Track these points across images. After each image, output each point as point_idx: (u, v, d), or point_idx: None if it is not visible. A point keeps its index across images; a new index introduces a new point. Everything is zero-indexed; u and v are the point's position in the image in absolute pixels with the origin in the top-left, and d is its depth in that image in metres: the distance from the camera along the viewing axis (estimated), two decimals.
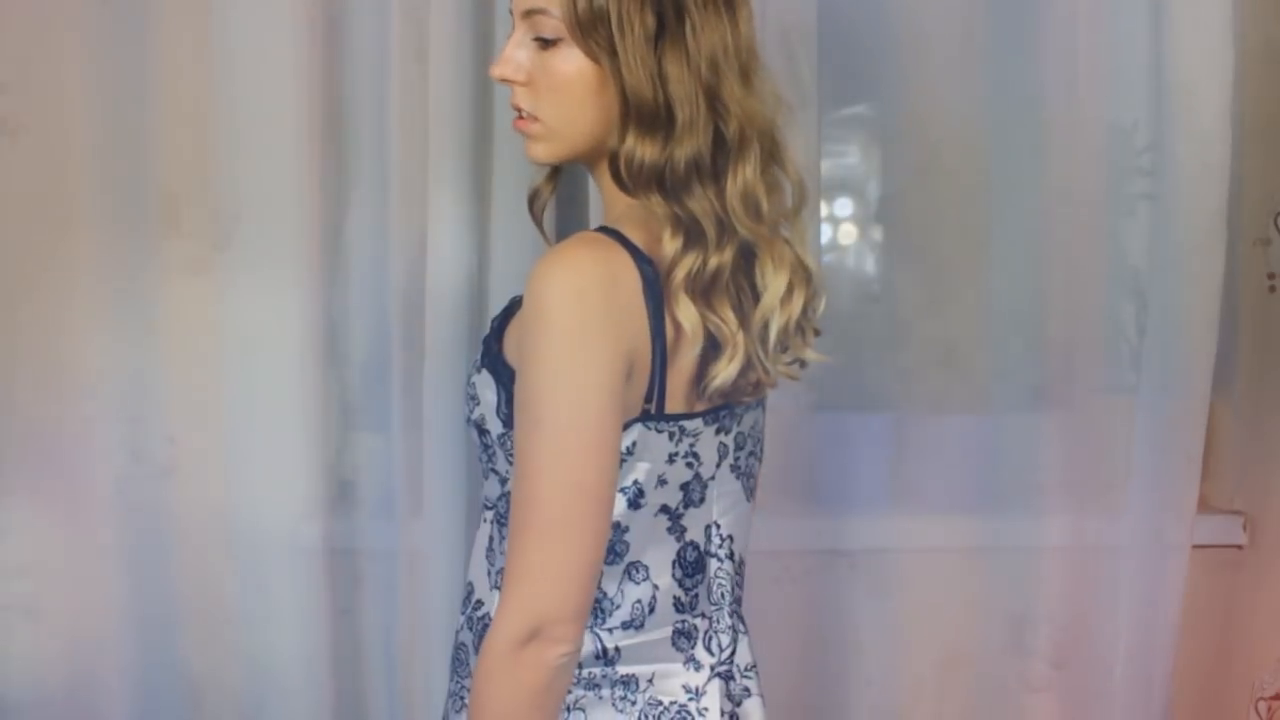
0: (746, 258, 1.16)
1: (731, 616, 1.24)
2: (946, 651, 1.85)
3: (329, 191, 1.76)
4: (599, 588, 1.16)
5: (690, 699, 1.19)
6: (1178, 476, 1.76)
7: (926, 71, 1.80)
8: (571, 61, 1.13)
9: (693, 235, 1.12)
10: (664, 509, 1.17)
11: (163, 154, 1.76)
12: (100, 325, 1.77)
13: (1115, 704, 1.80)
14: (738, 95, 1.13)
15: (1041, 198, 1.79)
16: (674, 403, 1.13)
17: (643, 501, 1.15)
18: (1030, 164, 1.79)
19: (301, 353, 1.74)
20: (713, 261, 1.12)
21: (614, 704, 1.17)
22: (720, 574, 1.22)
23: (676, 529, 1.19)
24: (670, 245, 1.11)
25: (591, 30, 1.11)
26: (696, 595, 1.21)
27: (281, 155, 1.72)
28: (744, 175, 1.13)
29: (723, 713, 1.20)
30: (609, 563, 1.16)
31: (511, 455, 1.13)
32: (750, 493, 1.25)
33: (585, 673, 1.17)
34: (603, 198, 1.21)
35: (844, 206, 2.00)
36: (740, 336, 1.13)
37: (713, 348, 1.13)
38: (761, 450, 1.27)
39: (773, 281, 1.15)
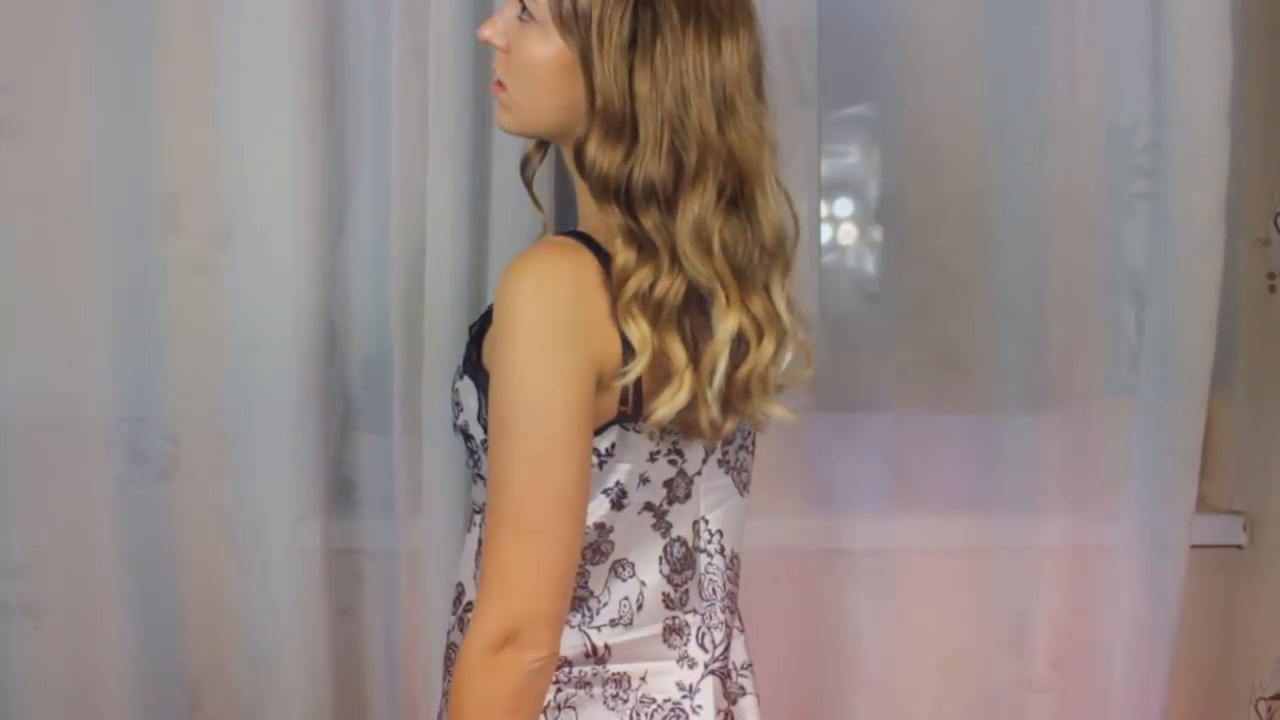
0: (702, 299, 1.13)
1: (725, 613, 1.23)
2: (946, 651, 1.85)
3: (329, 191, 1.76)
4: (585, 586, 1.17)
5: (684, 696, 1.19)
6: (1176, 477, 1.76)
7: (926, 71, 1.80)
8: (544, 45, 1.13)
9: (645, 251, 1.11)
10: (648, 506, 1.17)
11: (163, 154, 1.76)
12: (100, 325, 1.77)
13: (1115, 704, 1.80)
14: (705, 127, 1.10)
15: (1041, 197, 1.79)
16: (652, 402, 1.13)
17: (625, 501, 1.15)
18: (1030, 164, 1.79)
19: (301, 353, 1.74)
20: (662, 285, 1.10)
21: (605, 702, 1.17)
22: (711, 569, 1.22)
23: (662, 525, 1.18)
24: (623, 255, 1.10)
25: (572, 25, 1.10)
26: (687, 591, 1.21)
27: (281, 155, 1.72)
28: (693, 210, 1.10)
29: (717, 710, 1.20)
30: (594, 562, 1.16)
31: None
32: (743, 487, 1.25)
33: (576, 671, 1.17)
34: (576, 187, 1.20)
35: (844, 206, 2.00)
36: (688, 374, 1.11)
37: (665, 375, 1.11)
38: (753, 443, 1.27)
39: (722, 323, 1.12)
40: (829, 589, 1.85)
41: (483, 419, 1.14)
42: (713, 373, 1.12)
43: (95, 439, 1.78)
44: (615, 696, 1.18)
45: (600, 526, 1.15)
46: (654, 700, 1.18)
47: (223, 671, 1.80)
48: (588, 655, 1.17)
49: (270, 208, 1.73)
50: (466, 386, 1.17)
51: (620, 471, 1.14)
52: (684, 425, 1.14)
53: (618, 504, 1.15)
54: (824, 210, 1.94)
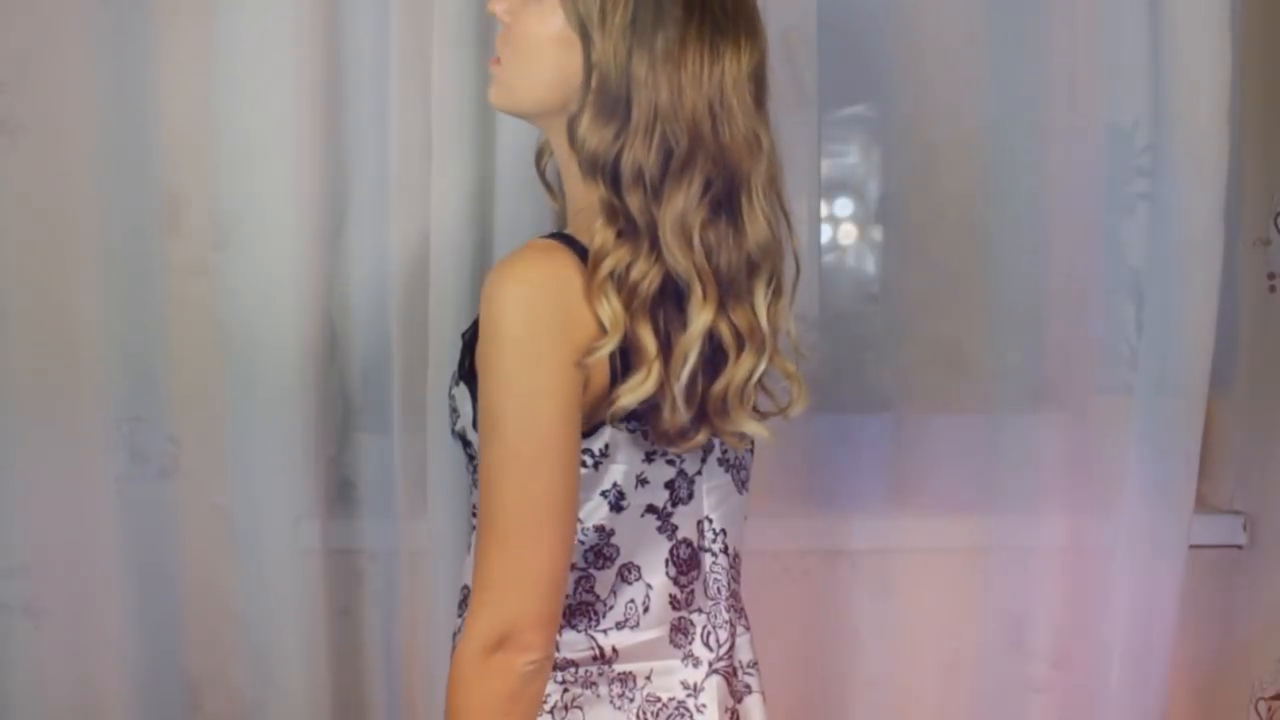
0: (680, 295, 1.13)
1: (729, 611, 1.23)
2: (946, 651, 1.85)
3: (329, 191, 1.76)
4: (592, 591, 1.17)
5: (688, 695, 1.19)
6: (1175, 477, 1.75)
7: (926, 71, 1.80)
8: (546, 22, 1.14)
9: (626, 232, 1.11)
10: (651, 509, 1.17)
11: (163, 154, 1.76)
12: (100, 325, 1.76)
13: (1114, 704, 1.80)
14: (697, 121, 1.11)
15: (1041, 198, 1.79)
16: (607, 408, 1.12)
17: (624, 503, 1.15)
18: (1030, 164, 1.79)
19: (301, 353, 1.74)
20: (639, 269, 1.10)
21: (611, 701, 1.18)
22: (715, 568, 1.22)
23: (667, 528, 1.19)
24: (601, 234, 1.11)
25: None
26: (692, 591, 1.21)
27: (281, 155, 1.72)
28: (678, 202, 1.11)
29: (723, 708, 1.20)
30: (600, 567, 1.17)
31: None
32: (742, 484, 1.25)
33: (582, 671, 1.17)
34: (563, 180, 1.21)
35: (844, 206, 2.00)
36: (656, 364, 1.10)
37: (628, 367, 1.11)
38: (753, 441, 1.27)
39: (696, 317, 1.11)
40: (829, 589, 1.85)
41: (478, 425, 1.14)
42: (682, 365, 1.11)
43: (95, 439, 1.78)
44: (621, 695, 1.18)
45: (601, 529, 1.15)
46: (659, 699, 1.19)
47: (223, 671, 1.80)
48: (595, 658, 1.18)
49: (270, 208, 1.73)
50: (461, 393, 1.17)
51: (616, 473, 1.15)
52: (651, 425, 1.13)
53: (617, 506, 1.15)
54: (824, 210, 1.94)
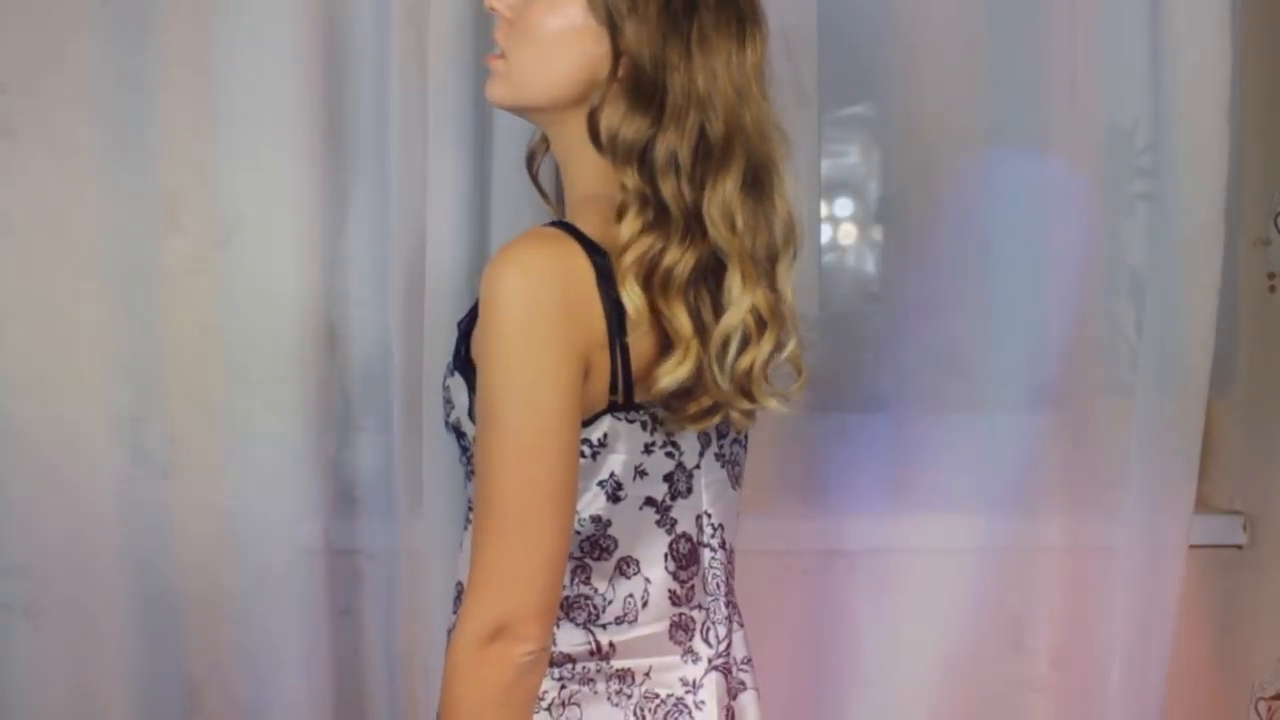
0: (715, 274, 1.14)
1: (727, 607, 1.23)
2: (946, 651, 1.85)
3: (329, 191, 1.76)
4: (589, 584, 1.16)
5: (687, 692, 1.19)
6: (1175, 477, 1.75)
7: (926, 71, 1.80)
8: (562, 14, 1.13)
9: (658, 220, 1.11)
10: (649, 501, 1.17)
11: (163, 154, 1.76)
12: (100, 325, 1.77)
13: (1114, 704, 1.80)
14: (733, 107, 1.12)
15: (1041, 198, 1.79)
16: (643, 391, 1.12)
17: (622, 494, 1.15)
18: (1030, 164, 1.79)
19: (301, 353, 1.74)
20: (671, 254, 1.10)
21: (609, 698, 1.17)
22: (714, 564, 1.22)
23: (666, 521, 1.18)
24: (630, 225, 1.10)
25: None
26: (692, 587, 1.21)
27: (281, 155, 1.72)
28: (725, 187, 1.12)
29: (720, 705, 1.20)
30: (596, 558, 1.16)
31: None
32: (736, 480, 1.25)
33: (579, 668, 1.17)
34: (564, 174, 1.20)
35: (844, 206, 2.00)
36: (694, 343, 1.11)
37: (667, 346, 1.12)
38: (746, 437, 1.27)
39: (739, 299, 1.13)
40: (829, 589, 1.85)
41: (474, 415, 1.13)
42: (724, 346, 1.12)
43: (95, 439, 1.78)
44: (619, 693, 1.17)
45: (597, 520, 1.15)
46: (658, 695, 1.18)
47: (223, 672, 1.80)
48: (592, 653, 1.17)
49: (270, 208, 1.73)
50: (457, 383, 1.16)
51: (614, 463, 1.14)
52: (678, 407, 1.13)
53: (614, 496, 1.15)
54: (824, 210, 1.94)
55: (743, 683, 1.26)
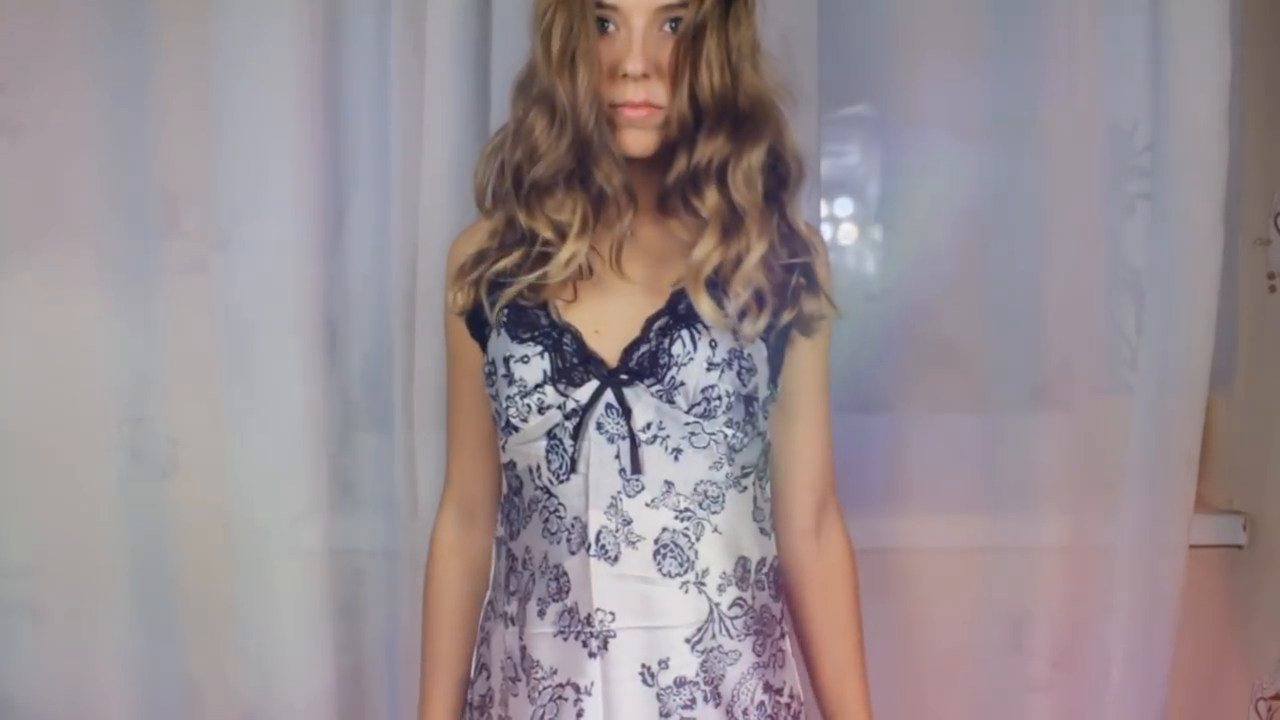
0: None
1: None
2: (946, 651, 1.85)
3: (329, 191, 1.76)
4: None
5: None
6: (1175, 476, 1.75)
7: (926, 71, 1.80)
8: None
9: (728, 229, 1.28)
10: None
11: (163, 154, 1.76)
12: (100, 325, 1.77)
13: (1115, 704, 1.80)
14: (755, 81, 1.28)
15: (1041, 198, 1.79)
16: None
17: None
18: (1030, 164, 1.79)
19: (301, 353, 1.74)
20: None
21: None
22: None
23: None
24: (709, 239, 1.28)
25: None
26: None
27: (281, 155, 1.72)
28: (749, 161, 1.26)
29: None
30: None
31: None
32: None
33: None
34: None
35: (844, 206, 2.00)
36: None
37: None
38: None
39: (755, 247, 1.27)
40: None
41: (780, 381, 1.34)
42: (746, 286, 1.30)
43: (95, 439, 1.78)
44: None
45: None
46: None
47: (223, 671, 1.80)
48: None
49: (270, 208, 1.73)
50: (759, 350, 1.30)
51: None
52: None
53: None
54: (824, 210, 1.94)
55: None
